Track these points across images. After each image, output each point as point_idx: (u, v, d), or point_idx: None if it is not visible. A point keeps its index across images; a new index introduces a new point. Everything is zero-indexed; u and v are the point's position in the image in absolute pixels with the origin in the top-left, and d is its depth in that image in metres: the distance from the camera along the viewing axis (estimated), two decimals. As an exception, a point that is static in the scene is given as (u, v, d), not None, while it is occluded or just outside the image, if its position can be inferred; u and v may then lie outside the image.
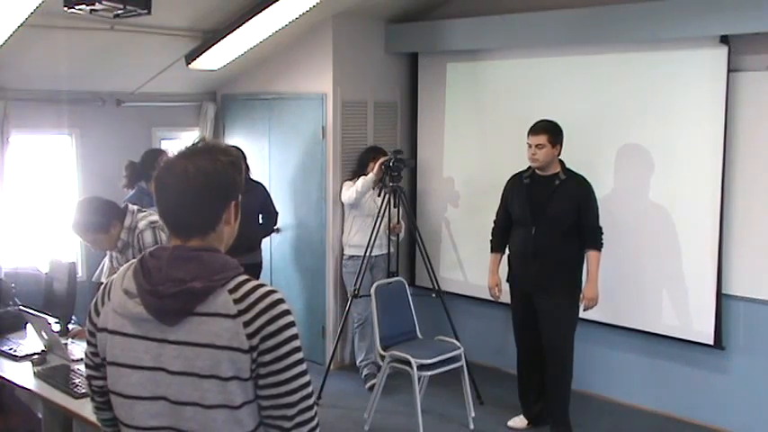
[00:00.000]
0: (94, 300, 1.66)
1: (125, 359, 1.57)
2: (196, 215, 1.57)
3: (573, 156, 4.44)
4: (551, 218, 4.27)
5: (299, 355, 1.54)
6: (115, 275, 1.65)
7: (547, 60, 5.13)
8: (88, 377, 1.71)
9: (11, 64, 4.68)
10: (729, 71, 4.34)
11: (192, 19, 4.96)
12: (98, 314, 1.63)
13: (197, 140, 1.65)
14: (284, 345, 1.52)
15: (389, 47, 5.73)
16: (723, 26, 4.23)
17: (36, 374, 3.29)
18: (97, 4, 3.61)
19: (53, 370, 3.30)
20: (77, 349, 3.57)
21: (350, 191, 5.29)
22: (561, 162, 4.35)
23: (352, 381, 5.40)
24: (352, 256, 5.37)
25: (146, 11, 3.78)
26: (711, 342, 4.55)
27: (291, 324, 1.54)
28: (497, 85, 5.43)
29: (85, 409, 2.91)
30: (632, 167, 4.80)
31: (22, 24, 3.98)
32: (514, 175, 4.52)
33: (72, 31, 4.45)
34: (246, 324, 1.49)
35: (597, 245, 4.31)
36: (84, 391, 3.01)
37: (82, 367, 3.29)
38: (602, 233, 4.33)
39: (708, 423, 4.68)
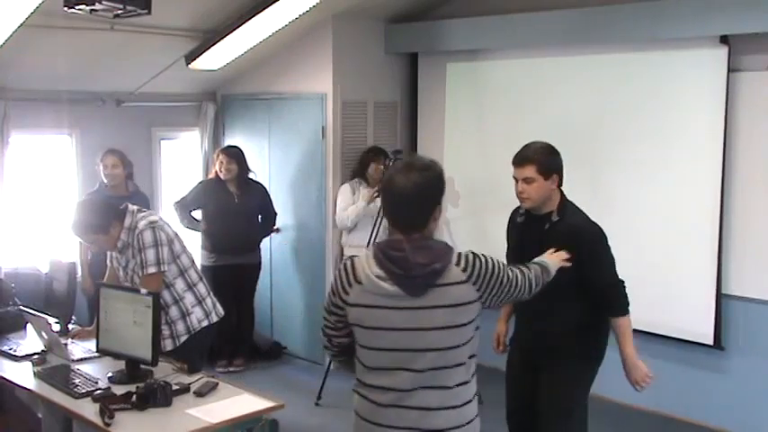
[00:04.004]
0: (340, 282, 2.35)
1: (381, 323, 2.23)
2: (417, 215, 2.25)
3: (572, 155, 4.42)
4: None
5: (504, 269, 2.32)
6: (355, 264, 2.34)
7: (547, 60, 5.12)
8: (330, 336, 2.46)
9: (11, 64, 4.68)
10: (729, 71, 4.34)
11: (191, 19, 4.96)
12: (347, 293, 2.30)
13: (398, 154, 1.98)
14: (494, 272, 2.27)
15: (389, 47, 5.72)
16: (723, 26, 4.23)
17: (36, 374, 3.29)
18: (97, 4, 3.60)
19: (53, 370, 3.30)
20: (77, 349, 3.57)
21: (344, 214, 5.28)
22: (562, 196, 3.19)
23: (352, 381, 5.37)
24: (352, 257, 5.34)
25: (146, 11, 3.78)
26: (711, 342, 4.55)
27: (498, 264, 2.31)
28: (497, 85, 5.43)
29: (85, 408, 2.91)
30: (632, 167, 4.80)
31: (22, 24, 3.98)
32: (514, 210, 3.38)
33: (72, 31, 4.45)
34: (474, 283, 2.23)
35: (619, 309, 3.19)
36: (83, 391, 3.03)
37: (82, 367, 3.32)
38: (623, 288, 3.22)
39: (707, 423, 4.68)
